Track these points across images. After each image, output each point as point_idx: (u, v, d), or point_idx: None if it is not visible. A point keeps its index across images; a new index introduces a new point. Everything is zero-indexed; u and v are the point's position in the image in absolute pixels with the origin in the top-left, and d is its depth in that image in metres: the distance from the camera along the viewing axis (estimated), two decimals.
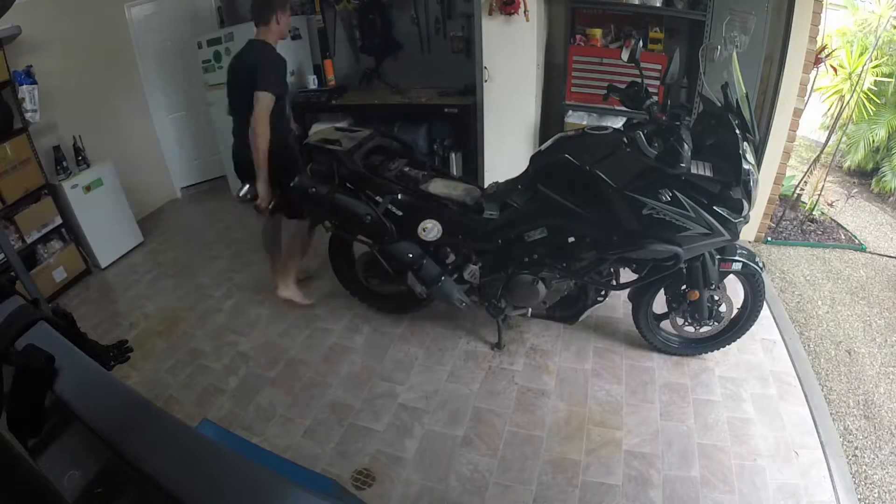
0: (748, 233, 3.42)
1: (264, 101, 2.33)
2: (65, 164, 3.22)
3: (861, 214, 4.21)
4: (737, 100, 1.84)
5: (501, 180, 2.29)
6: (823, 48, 3.11)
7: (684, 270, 2.10)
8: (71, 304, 3.10)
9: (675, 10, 2.88)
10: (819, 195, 3.84)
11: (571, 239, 2.15)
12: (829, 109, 4.62)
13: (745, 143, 1.82)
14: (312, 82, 3.91)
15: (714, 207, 1.86)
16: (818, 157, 3.99)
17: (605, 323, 2.61)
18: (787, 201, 3.81)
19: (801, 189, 3.88)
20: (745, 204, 1.87)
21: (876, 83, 4.35)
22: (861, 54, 4.19)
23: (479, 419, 2.14)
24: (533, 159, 2.12)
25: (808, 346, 2.63)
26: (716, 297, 2.17)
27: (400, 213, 2.20)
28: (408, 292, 2.40)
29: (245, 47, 2.48)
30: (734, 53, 2.11)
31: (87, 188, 3.32)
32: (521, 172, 2.15)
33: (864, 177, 4.86)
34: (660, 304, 2.29)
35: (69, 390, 0.58)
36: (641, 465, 1.93)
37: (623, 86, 2.09)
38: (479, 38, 3.15)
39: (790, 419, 2.10)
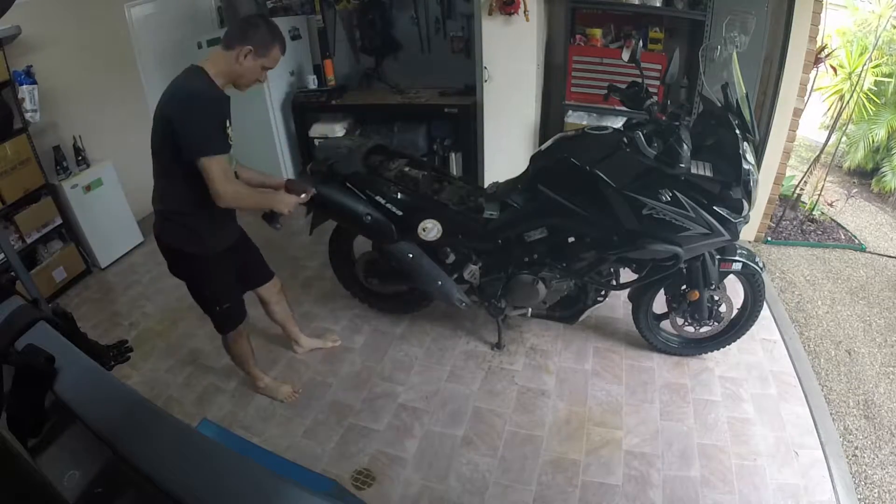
0: (748, 233, 3.41)
1: None
2: (65, 164, 3.21)
3: (861, 214, 4.20)
4: (737, 100, 1.84)
5: (501, 180, 2.28)
6: (823, 48, 3.11)
7: (684, 270, 2.10)
8: (71, 304, 3.10)
9: (675, 10, 2.87)
10: (819, 195, 3.84)
11: (571, 239, 2.15)
12: (829, 109, 4.62)
13: (745, 143, 1.82)
14: (312, 82, 3.90)
15: (714, 207, 1.86)
16: (818, 157, 3.98)
17: (605, 323, 2.61)
18: (787, 201, 3.81)
19: (801, 189, 3.88)
20: (745, 204, 1.88)
21: (876, 83, 4.36)
22: (861, 54, 4.18)
23: (479, 419, 2.14)
24: (533, 159, 2.12)
25: (808, 346, 2.63)
26: (716, 297, 2.17)
27: (400, 213, 2.20)
28: (407, 292, 2.40)
29: None
30: (734, 53, 2.11)
31: (87, 188, 3.31)
32: (521, 172, 2.15)
33: (864, 177, 4.86)
34: (660, 304, 2.29)
35: (69, 390, 0.58)
36: (641, 465, 1.93)
37: (623, 86, 2.08)
38: (479, 38, 3.14)
39: (790, 419, 2.10)
